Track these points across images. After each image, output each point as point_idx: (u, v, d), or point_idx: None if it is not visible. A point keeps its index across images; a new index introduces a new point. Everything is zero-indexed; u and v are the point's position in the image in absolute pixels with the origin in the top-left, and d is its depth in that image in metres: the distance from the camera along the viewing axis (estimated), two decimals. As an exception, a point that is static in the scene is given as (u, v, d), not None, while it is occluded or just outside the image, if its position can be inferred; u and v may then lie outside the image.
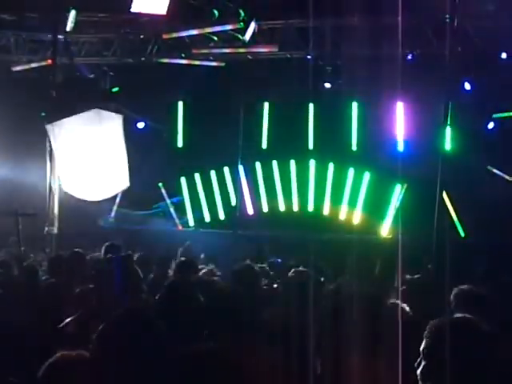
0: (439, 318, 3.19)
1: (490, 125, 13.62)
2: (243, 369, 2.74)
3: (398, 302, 3.92)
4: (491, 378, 3.03)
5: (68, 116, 12.00)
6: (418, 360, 3.08)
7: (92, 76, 15.24)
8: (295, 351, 3.67)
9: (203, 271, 7.34)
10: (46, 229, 12.01)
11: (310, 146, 14.82)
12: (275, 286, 6.91)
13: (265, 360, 3.70)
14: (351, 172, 14.54)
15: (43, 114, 12.91)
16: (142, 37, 14.48)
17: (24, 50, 14.81)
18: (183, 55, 14.42)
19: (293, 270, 6.43)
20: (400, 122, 13.83)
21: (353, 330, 3.36)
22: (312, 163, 14.81)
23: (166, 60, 14.56)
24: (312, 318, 3.85)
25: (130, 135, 12.78)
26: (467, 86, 13.47)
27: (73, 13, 13.27)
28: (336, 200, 14.67)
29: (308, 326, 3.76)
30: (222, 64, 14.36)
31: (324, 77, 14.10)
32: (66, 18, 13.30)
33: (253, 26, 13.11)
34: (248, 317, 4.35)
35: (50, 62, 13.52)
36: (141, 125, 15.51)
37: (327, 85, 14.26)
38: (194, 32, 13.69)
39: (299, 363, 3.63)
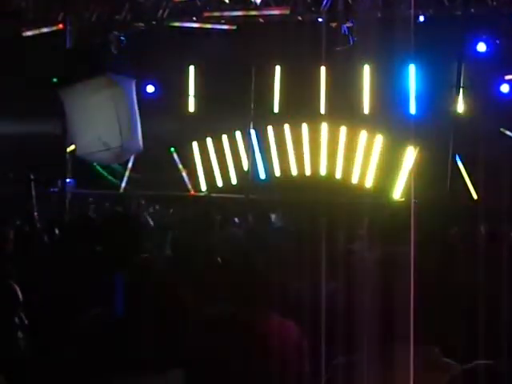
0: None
1: (504, 86, 13.52)
2: None
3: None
4: None
5: (80, 81, 12.01)
6: None
7: (103, 40, 15.18)
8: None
9: None
10: None
11: (322, 109, 14.77)
12: None
13: None
14: (363, 135, 14.50)
15: (55, 80, 12.91)
16: (153, 0, 14.41)
17: (35, 14, 14.75)
18: (194, 18, 14.35)
19: None
20: (412, 84, 13.77)
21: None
22: (324, 126, 14.76)
23: (177, 23, 14.49)
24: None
25: (141, 99, 12.79)
26: (480, 48, 13.37)
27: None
28: (348, 163, 14.65)
29: None
30: (234, 27, 14.29)
31: (336, 39, 14.00)
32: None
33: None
34: None
35: (60, 26, 13.50)
36: (151, 88, 15.43)
37: (339, 47, 14.16)
38: (206, -6, 13.63)
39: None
